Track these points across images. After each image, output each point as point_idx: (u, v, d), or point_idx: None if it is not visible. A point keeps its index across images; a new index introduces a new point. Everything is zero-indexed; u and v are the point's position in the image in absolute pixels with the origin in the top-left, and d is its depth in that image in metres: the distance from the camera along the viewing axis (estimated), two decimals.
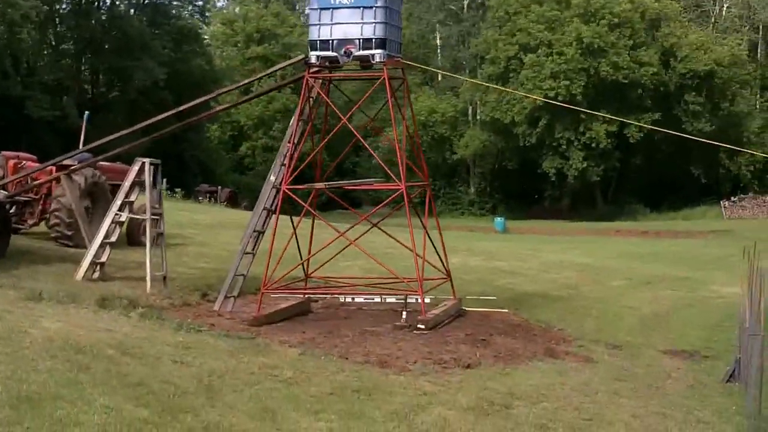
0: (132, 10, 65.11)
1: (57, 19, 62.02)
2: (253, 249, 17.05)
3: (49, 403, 8.62)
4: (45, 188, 20.77)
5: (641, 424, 11.22)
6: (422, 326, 15.92)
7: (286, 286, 17.74)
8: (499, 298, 20.53)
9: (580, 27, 68.88)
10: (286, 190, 16.59)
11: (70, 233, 20.37)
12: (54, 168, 20.10)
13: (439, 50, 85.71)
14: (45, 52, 61.33)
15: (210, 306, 16.82)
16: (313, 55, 16.49)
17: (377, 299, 18.35)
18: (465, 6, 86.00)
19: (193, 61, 65.49)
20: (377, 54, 16.04)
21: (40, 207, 20.96)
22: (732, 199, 70.66)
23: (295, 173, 16.63)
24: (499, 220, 62.60)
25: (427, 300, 16.84)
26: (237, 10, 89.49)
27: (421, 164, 18.04)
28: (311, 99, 16.97)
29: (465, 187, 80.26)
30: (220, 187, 57.05)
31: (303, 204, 17.09)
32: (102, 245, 17.47)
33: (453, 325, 16.78)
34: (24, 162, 21.29)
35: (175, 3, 69.28)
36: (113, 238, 17.79)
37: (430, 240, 17.57)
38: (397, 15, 16.98)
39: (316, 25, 16.49)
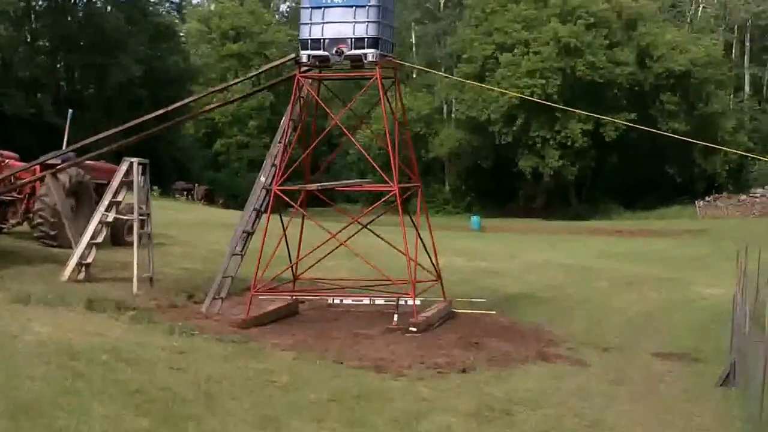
0: (109, 7, 64.31)
1: (33, 16, 61.11)
2: (242, 250, 16.82)
3: (47, 412, 8.39)
4: (29, 187, 20.39)
5: (644, 431, 11.13)
6: (414, 329, 15.77)
7: (275, 288, 17.51)
8: (486, 300, 20.41)
9: (558, 26, 68.92)
10: (277, 191, 16.34)
11: (53, 233, 20.03)
12: (38, 167, 19.73)
13: (414, 48, 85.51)
14: (20, 49, 60.38)
15: (197, 307, 16.61)
16: (304, 54, 16.23)
17: (366, 301, 18.14)
18: (441, 4, 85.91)
19: (170, 58, 64.90)
20: (369, 53, 15.80)
21: (23, 206, 20.58)
22: (706, 198, 71.00)
23: (287, 174, 16.40)
24: (475, 218, 62.78)
25: (417, 302, 16.67)
26: (213, 7, 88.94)
27: (412, 164, 17.87)
28: (301, 99, 16.71)
29: (440, 186, 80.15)
30: (196, 185, 56.62)
31: (294, 204, 16.86)
32: (88, 246, 17.17)
33: (444, 328, 16.66)
34: (7, 160, 20.89)
35: (151, 0, 68.64)
36: (99, 239, 17.50)
37: (421, 241, 17.40)
38: (390, 14, 16.77)
39: (307, 23, 16.21)
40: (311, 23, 16.15)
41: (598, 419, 11.40)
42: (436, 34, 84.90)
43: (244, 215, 16.98)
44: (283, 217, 17.34)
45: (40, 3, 60.85)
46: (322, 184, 18.09)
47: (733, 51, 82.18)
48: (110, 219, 17.65)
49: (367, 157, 19.59)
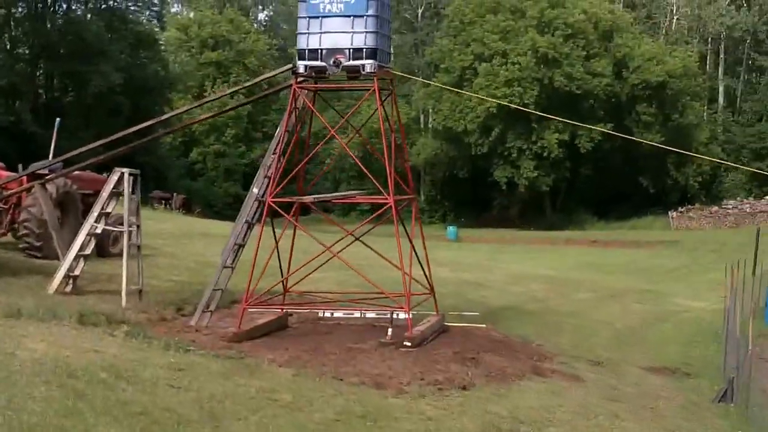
0: (89, 15, 63.71)
1: (12, 23, 60.44)
2: (232, 263, 16.58)
3: None
4: (14, 198, 20.00)
5: None
6: (408, 344, 15.57)
7: (266, 301, 17.27)
8: (478, 314, 20.29)
9: (536, 37, 69.11)
10: (271, 203, 16.11)
11: (39, 244, 19.62)
12: (25, 177, 19.34)
13: (392, 58, 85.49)
14: None
15: (186, 320, 16.34)
16: (301, 65, 16.00)
17: (357, 314, 17.91)
18: (419, 14, 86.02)
19: (150, 66, 64.42)
20: (368, 64, 15.62)
21: (9, 217, 20.19)
22: (679, 209, 71.50)
23: (281, 185, 16.18)
24: (451, 228, 63.26)
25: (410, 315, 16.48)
26: (192, 15, 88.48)
27: (407, 177, 17.71)
28: (297, 110, 16.49)
29: (415, 195, 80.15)
30: (175, 194, 56.13)
31: (287, 216, 16.63)
32: (76, 257, 16.85)
33: (438, 342, 16.48)
34: None
35: (132, 8, 68.16)
36: (87, 251, 17.18)
37: (415, 254, 17.24)
38: (387, 24, 16.60)
39: (304, 33, 15.97)
40: (308, 33, 15.92)
41: None
42: (414, 44, 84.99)
43: (236, 227, 16.72)
44: (275, 229, 17.11)
45: (19, 10, 60.15)
46: (317, 196, 17.88)
47: (708, 63, 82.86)
48: (99, 230, 17.32)
49: (363, 169, 19.40)
